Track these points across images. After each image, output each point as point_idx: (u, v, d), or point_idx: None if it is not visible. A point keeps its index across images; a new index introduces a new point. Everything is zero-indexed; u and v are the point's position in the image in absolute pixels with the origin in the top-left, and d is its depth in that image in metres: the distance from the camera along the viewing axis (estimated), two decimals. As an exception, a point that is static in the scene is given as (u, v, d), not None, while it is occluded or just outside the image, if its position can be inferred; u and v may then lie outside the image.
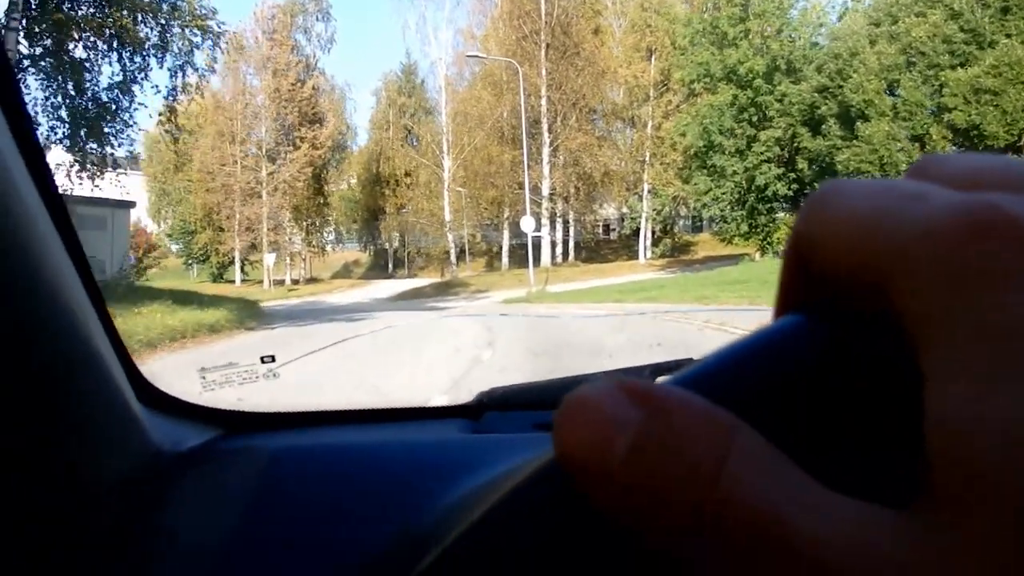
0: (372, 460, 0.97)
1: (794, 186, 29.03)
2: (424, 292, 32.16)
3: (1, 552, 0.72)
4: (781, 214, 30.61)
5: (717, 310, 13.82)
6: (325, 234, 46.63)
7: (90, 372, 0.76)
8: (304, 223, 43.03)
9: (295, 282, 41.83)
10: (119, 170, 20.11)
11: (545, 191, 38.67)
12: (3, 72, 0.65)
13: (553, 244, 40.40)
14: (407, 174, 44.40)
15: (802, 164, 28.41)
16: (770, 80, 28.70)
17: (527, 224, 26.99)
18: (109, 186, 20.29)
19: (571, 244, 43.39)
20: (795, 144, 28.89)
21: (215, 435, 1.07)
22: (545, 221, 38.59)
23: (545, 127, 38.83)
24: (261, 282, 39.28)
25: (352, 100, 55.32)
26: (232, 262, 42.35)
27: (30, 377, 0.67)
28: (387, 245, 49.86)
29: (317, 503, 0.88)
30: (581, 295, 22.40)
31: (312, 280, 44.45)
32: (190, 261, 47.92)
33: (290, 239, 40.91)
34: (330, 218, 46.86)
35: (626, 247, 43.67)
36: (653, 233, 41.00)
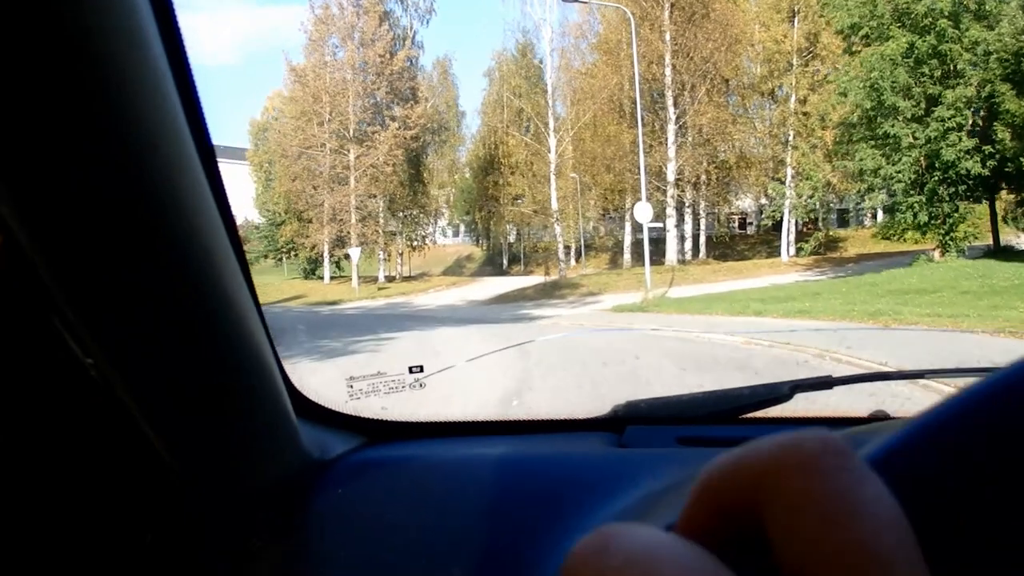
0: (517, 473, 0.99)
1: (991, 163, 22.10)
2: (525, 294, 27.61)
3: (169, 549, 0.82)
4: (966, 201, 23.67)
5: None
6: (425, 226, 42.44)
7: (261, 384, 0.83)
8: (400, 214, 38.96)
9: (389, 279, 38.05)
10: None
11: (670, 176, 33.21)
12: (190, 86, 0.65)
13: (681, 238, 34.88)
14: (521, 161, 39.78)
15: (1003, 133, 21.49)
16: (957, 23, 22.04)
17: (642, 212, 21.92)
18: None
19: (702, 239, 37.85)
20: (993, 106, 21.91)
21: (359, 443, 1.12)
22: (670, 212, 33.28)
23: (670, 101, 33.19)
24: (351, 279, 35.74)
25: (453, 75, 50.08)
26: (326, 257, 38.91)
27: (214, 389, 0.75)
28: (500, 238, 45.61)
29: (463, 515, 0.93)
30: (711, 303, 17.10)
31: (411, 277, 40.48)
32: (279, 256, 44.72)
33: (381, 231, 37.05)
34: (429, 208, 42.63)
35: (765, 243, 38.23)
36: (796, 226, 34.99)
